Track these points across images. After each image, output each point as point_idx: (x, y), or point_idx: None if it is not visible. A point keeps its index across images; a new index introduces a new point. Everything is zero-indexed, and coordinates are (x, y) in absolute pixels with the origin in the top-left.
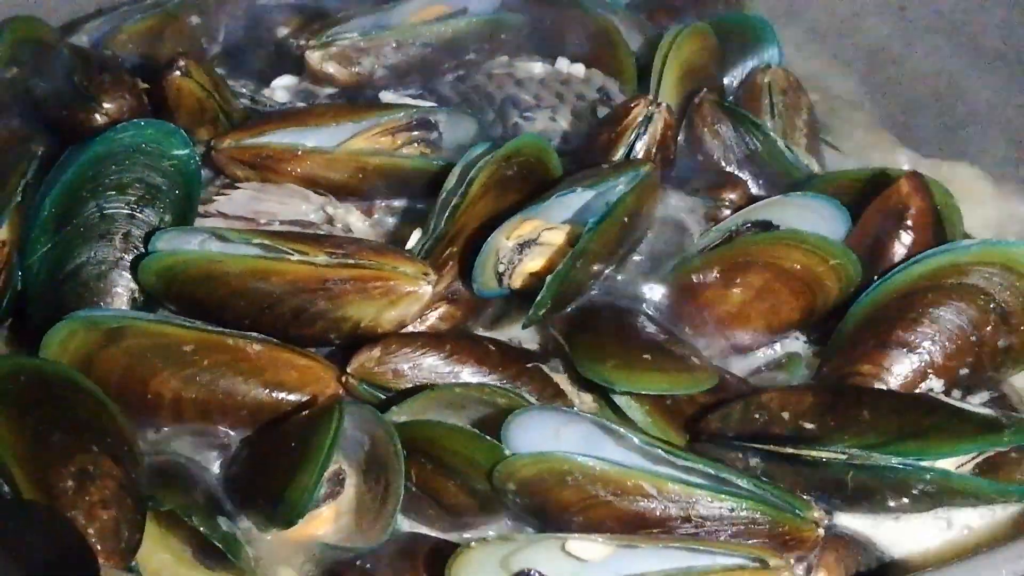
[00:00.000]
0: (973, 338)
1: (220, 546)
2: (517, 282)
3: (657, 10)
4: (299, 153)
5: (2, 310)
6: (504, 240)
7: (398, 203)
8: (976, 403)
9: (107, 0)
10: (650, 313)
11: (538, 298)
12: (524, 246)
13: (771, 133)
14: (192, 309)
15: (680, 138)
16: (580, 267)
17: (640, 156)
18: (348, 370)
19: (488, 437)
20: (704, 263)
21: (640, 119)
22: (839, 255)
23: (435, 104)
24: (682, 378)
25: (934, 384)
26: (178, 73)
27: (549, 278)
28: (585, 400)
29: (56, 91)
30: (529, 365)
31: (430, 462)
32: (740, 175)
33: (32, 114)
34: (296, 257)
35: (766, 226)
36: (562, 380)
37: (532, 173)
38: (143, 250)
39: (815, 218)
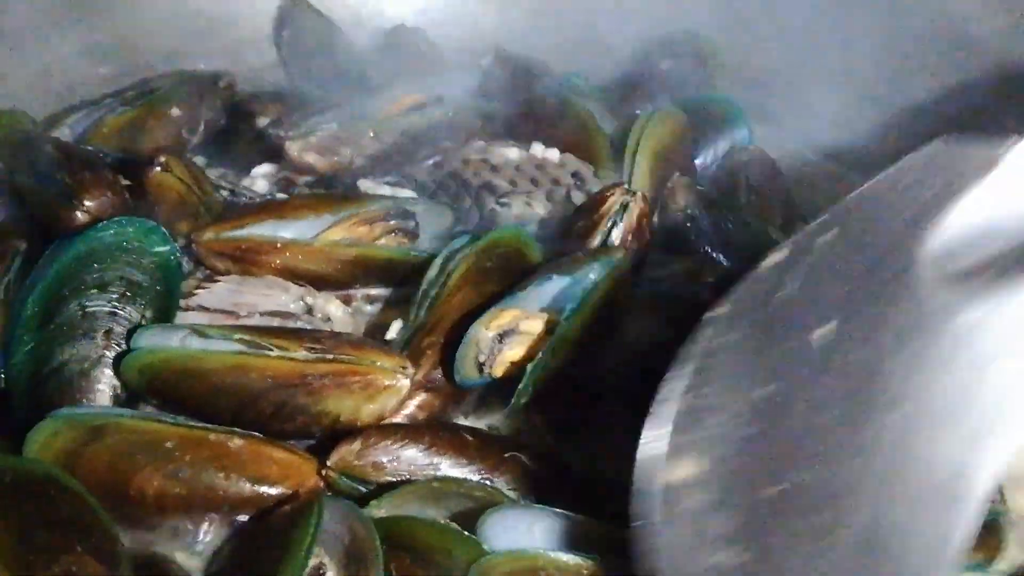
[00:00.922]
0: None
1: None
2: (499, 371)
3: (630, 93)
4: (278, 245)
5: None
6: (484, 331)
7: (376, 291)
8: None
9: (89, 92)
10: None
11: (519, 387)
12: (504, 336)
13: (747, 218)
14: (174, 405)
15: (656, 212)
16: (559, 354)
17: (616, 243)
18: (328, 463)
19: (466, 533)
20: None
21: (616, 207)
22: None
23: (413, 193)
24: None
25: None
26: (158, 169)
27: (529, 367)
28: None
29: (39, 187)
30: (507, 455)
31: (409, 556)
32: (717, 257)
33: (15, 208)
34: (276, 352)
35: None
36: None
37: (511, 263)
38: (125, 347)
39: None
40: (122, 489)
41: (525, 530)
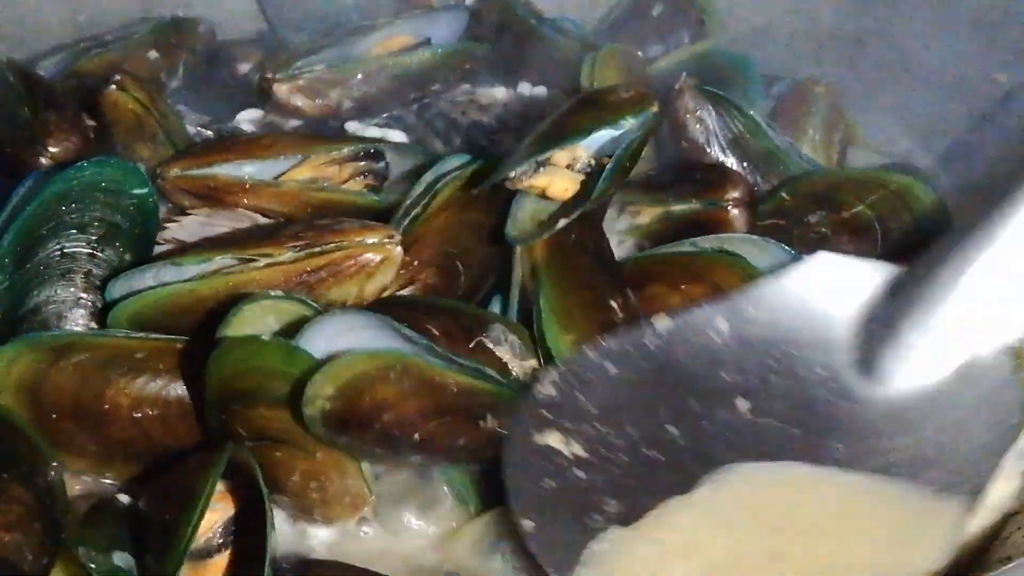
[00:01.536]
0: None
1: None
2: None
3: (620, 40)
4: (246, 186)
5: None
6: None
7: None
8: None
9: (65, 39)
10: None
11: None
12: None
13: (752, 113)
14: None
15: (661, 130)
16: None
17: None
18: None
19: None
20: (663, 260)
21: None
22: None
23: (402, 134)
24: None
25: None
26: (113, 87)
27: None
28: (526, 366)
29: (3, 125)
30: (472, 344)
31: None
32: (733, 166)
33: None
34: (263, 262)
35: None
36: (504, 351)
37: (497, 194)
38: (103, 289)
39: (776, 263)
40: (96, 405)
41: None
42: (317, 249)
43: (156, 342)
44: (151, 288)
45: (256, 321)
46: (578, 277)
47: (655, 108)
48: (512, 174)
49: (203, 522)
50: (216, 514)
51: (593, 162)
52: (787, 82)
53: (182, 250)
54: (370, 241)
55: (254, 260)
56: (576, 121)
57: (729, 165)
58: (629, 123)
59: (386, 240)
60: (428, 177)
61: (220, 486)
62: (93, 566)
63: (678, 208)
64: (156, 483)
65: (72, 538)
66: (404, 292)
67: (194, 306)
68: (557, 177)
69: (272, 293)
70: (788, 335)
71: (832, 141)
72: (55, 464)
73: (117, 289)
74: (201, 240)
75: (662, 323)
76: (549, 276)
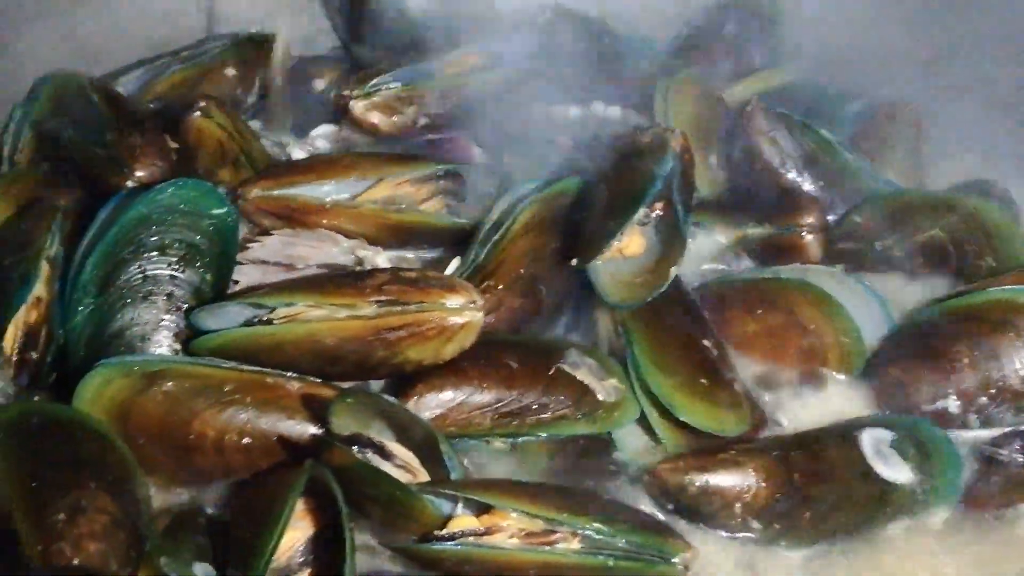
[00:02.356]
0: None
1: None
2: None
3: (692, 59)
4: (326, 206)
5: (45, 368)
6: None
7: (421, 252)
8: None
9: (147, 52)
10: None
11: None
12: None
13: (824, 133)
14: None
15: (735, 152)
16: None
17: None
18: None
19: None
20: (743, 286)
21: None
22: (851, 335)
23: (479, 151)
24: (727, 419)
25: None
26: (198, 114)
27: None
28: (607, 386)
29: (86, 143)
30: (551, 372)
31: None
32: (809, 191)
33: (61, 162)
34: (344, 314)
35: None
36: (583, 373)
37: (574, 213)
38: (184, 311)
39: (858, 302)
40: (181, 434)
41: None
42: (398, 308)
43: (244, 374)
44: (233, 328)
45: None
46: (665, 322)
47: (679, 140)
48: (605, 254)
49: (284, 541)
50: (297, 532)
51: (654, 213)
52: (861, 101)
53: (265, 288)
54: (453, 305)
55: (336, 309)
56: (632, 181)
57: (804, 186)
58: (670, 164)
59: (469, 305)
60: (504, 203)
61: (301, 504)
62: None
63: (754, 232)
64: (237, 499)
65: (154, 548)
66: (490, 318)
67: (274, 347)
68: (629, 237)
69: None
70: None
71: (916, 164)
72: (142, 478)
73: (201, 321)
74: (287, 280)
75: None
76: (637, 325)
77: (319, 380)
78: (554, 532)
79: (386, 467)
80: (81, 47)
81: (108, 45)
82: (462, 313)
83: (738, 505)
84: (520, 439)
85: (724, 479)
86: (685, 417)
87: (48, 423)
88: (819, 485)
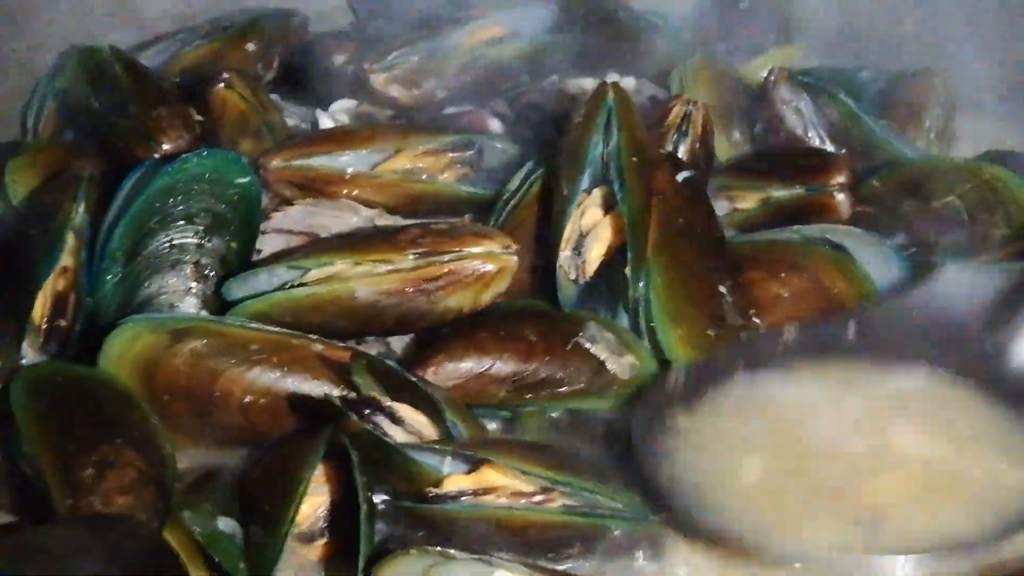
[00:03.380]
0: None
1: (202, 542)
2: (592, 271)
3: (706, 33)
4: (346, 177)
5: (74, 336)
6: (561, 255)
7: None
8: None
9: (162, 29)
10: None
11: (630, 289)
12: (577, 246)
13: (847, 100)
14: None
15: (757, 125)
16: (637, 223)
17: (685, 157)
18: None
19: None
20: (766, 247)
21: (679, 119)
22: (870, 297)
23: (498, 123)
24: None
25: None
26: (222, 85)
27: (628, 271)
28: (624, 363)
29: (111, 114)
30: (569, 347)
31: None
32: (837, 151)
33: (84, 132)
34: (383, 269)
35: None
36: (600, 348)
37: None
38: (212, 279)
39: (879, 261)
40: (207, 391)
41: None
42: (436, 258)
43: (271, 335)
44: (270, 292)
45: None
46: (687, 264)
47: (609, 95)
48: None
49: (305, 507)
50: (318, 497)
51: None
52: (881, 74)
53: (298, 251)
54: (488, 251)
55: (375, 265)
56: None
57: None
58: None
59: (503, 251)
60: (522, 172)
61: (321, 469)
62: (197, 528)
63: (780, 194)
64: (260, 459)
65: (179, 503)
66: None
67: (315, 307)
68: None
69: None
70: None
71: (945, 133)
72: (165, 434)
73: (235, 290)
74: (317, 241)
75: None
76: (658, 264)
77: (341, 343)
78: (549, 491)
79: (396, 431)
80: (104, 20)
81: (130, 18)
82: (498, 258)
83: None
84: (532, 409)
85: None
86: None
87: (72, 383)
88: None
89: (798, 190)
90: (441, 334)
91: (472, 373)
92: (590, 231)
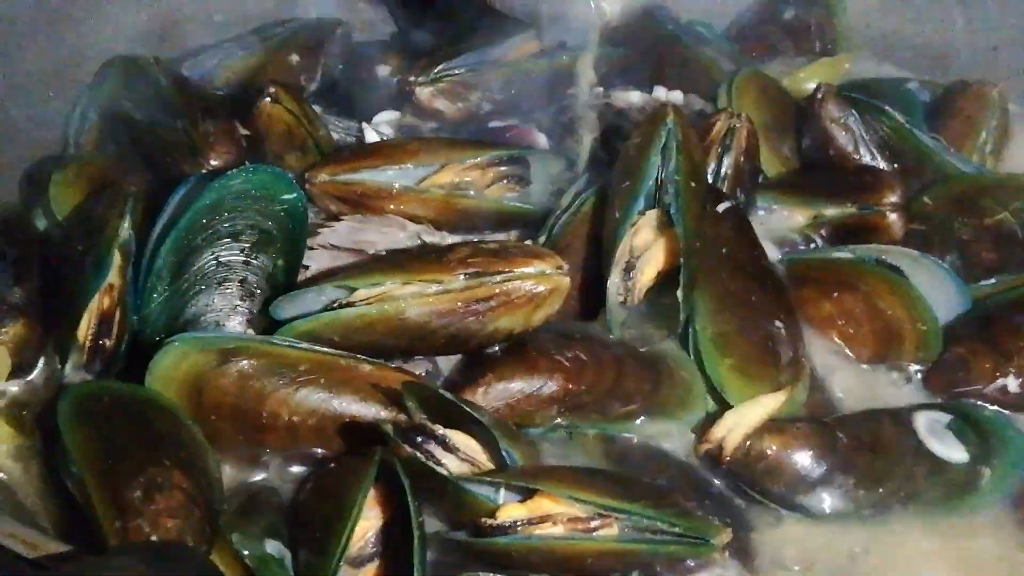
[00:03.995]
0: None
1: (249, 564)
2: (642, 295)
3: (752, 44)
4: (392, 192)
5: (120, 356)
6: (614, 277)
7: (486, 237)
8: None
9: (204, 40)
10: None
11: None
12: (628, 268)
13: (895, 114)
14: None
15: (805, 141)
16: (692, 246)
17: (730, 172)
18: None
19: None
20: (818, 265)
21: (723, 133)
22: (929, 324)
23: (543, 137)
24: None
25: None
26: (268, 100)
27: (680, 294)
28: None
29: (157, 129)
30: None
31: None
32: (887, 169)
33: (129, 146)
34: (434, 289)
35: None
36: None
37: None
38: (259, 297)
39: (935, 285)
40: (254, 413)
41: None
42: (487, 278)
43: (319, 355)
44: (321, 312)
45: None
46: (734, 294)
47: (670, 116)
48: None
49: (357, 531)
50: (369, 521)
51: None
52: (928, 86)
53: (345, 270)
54: (540, 271)
55: (426, 285)
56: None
57: (881, 167)
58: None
59: (555, 271)
60: (573, 188)
61: (372, 493)
62: (246, 552)
63: (831, 212)
64: (310, 482)
65: (227, 525)
66: None
67: (365, 327)
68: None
69: None
70: None
71: (1000, 146)
72: (213, 455)
73: (284, 309)
74: (365, 259)
75: None
76: (703, 293)
77: (391, 364)
78: (603, 517)
79: (448, 459)
80: (146, 30)
81: (172, 30)
82: (549, 280)
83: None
84: (581, 431)
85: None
86: (735, 402)
87: (119, 402)
88: (865, 454)
89: (849, 208)
90: (491, 354)
91: (523, 393)
92: (642, 253)
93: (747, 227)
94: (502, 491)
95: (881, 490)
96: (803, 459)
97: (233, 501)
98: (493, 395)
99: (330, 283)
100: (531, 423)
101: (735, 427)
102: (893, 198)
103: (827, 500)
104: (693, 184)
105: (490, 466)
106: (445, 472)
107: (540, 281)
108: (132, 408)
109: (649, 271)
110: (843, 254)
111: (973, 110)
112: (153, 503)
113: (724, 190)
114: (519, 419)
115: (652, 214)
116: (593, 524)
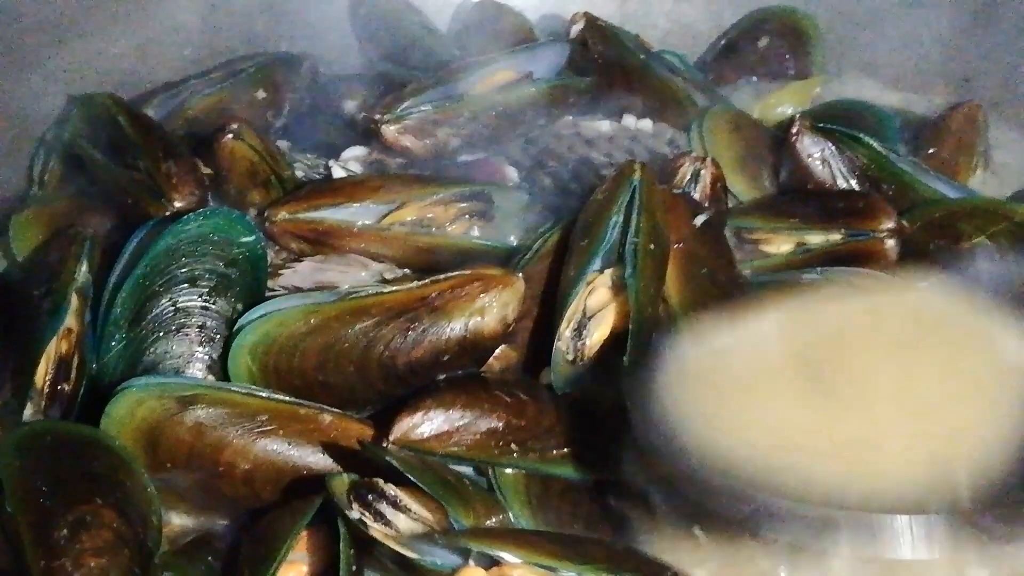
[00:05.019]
0: None
1: None
2: (592, 353)
3: (725, 72)
4: (354, 230)
5: (78, 401)
6: (561, 338)
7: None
8: None
9: (172, 75)
10: None
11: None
12: (579, 327)
13: (871, 141)
14: (296, 374)
15: (782, 174)
16: (643, 313)
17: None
18: (390, 438)
19: None
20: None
21: (687, 177)
22: None
23: (514, 171)
24: None
25: None
26: (231, 136)
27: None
28: None
29: (117, 170)
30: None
31: None
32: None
33: (90, 187)
34: (388, 288)
35: None
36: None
37: None
38: (218, 342)
39: None
40: (211, 462)
41: None
42: (442, 277)
43: (280, 405)
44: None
45: None
46: None
47: (636, 174)
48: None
49: (291, 573)
50: (297, 567)
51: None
52: (903, 113)
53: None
54: (492, 272)
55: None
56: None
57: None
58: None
59: (509, 272)
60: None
61: (313, 539)
62: None
63: (816, 239)
64: (253, 527)
65: (161, 566)
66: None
67: (318, 328)
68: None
69: None
70: None
71: (992, 170)
72: (154, 496)
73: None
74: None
75: None
76: (687, 318)
77: (350, 414)
78: None
79: (399, 519)
80: (113, 67)
81: (140, 65)
82: (504, 277)
83: None
84: (520, 469)
85: None
86: None
87: (61, 440)
88: None
89: (836, 236)
90: (434, 383)
91: (461, 422)
92: (595, 313)
93: (725, 242)
94: (453, 555)
95: None
96: None
97: (177, 544)
98: (430, 420)
99: (283, 297)
100: (469, 457)
101: None
102: (889, 223)
103: None
104: (652, 247)
105: (443, 527)
106: (389, 540)
107: (495, 276)
108: (74, 447)
109: (600, 332)
110: (812, 276)
111: (963, 133)
112: (78, 542)
113: None
114: (455, 450)
115: (608, 273)
116: None
